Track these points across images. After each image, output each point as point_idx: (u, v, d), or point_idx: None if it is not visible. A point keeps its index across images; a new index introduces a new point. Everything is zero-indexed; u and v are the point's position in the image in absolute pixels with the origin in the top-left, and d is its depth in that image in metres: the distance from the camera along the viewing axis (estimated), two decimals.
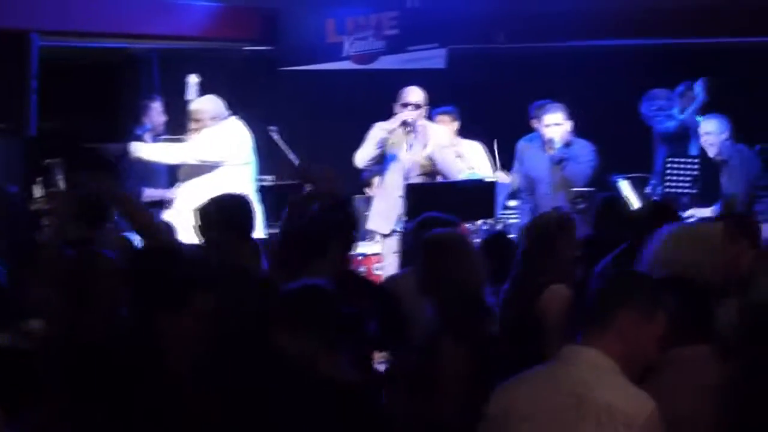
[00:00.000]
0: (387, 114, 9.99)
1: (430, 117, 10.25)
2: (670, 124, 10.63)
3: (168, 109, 10.98)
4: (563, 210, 7.07)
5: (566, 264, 5.85)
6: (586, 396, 3.92)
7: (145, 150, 10.06)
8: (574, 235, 6.03)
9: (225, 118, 9.86)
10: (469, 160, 10.39)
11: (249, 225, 6.55)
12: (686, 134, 10.87)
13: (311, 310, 4.63)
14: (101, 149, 10.14)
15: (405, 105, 9.72)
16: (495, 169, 10.45)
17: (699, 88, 10.82)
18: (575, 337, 4.10)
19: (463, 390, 5.13)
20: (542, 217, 6.35)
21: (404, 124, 9.66)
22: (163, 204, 10.01)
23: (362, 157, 9.77)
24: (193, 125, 9.90)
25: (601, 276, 4.54)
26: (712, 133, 10.24)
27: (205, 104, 9.98)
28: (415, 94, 9.77)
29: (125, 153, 10.05)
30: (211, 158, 9.70)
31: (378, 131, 9.70)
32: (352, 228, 6.53)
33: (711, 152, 10.22)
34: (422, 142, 9.75)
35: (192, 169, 9.82)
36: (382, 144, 9.68)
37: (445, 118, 10.65)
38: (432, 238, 5.76)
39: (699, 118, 10.63)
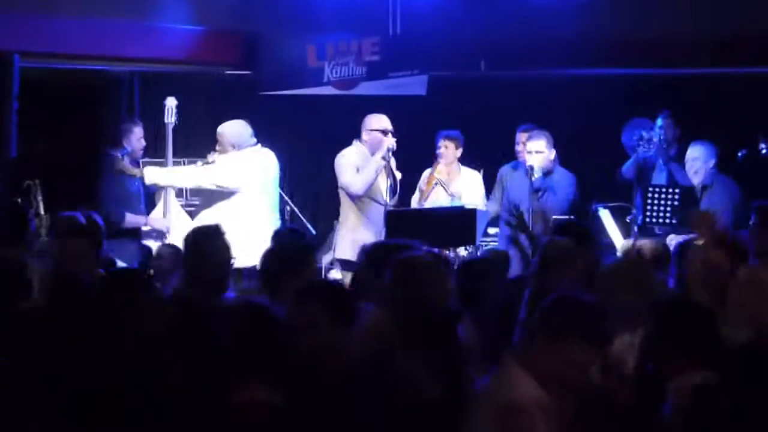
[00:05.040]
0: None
1: (434, 141, 10.39)
2: (651, 154, 10.61)
3: (147, 132, 10.94)
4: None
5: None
6: None
7: (159, 174, 9.96)
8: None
9: (248, 146, 9.79)
10: (453, 188, 10.42)
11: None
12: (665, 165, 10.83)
13: (246, 334, 4.55)
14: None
15: (377, 131, 9.86)
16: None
17: (662, 121, 10.72)
18: None
19: None
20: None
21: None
22: (163, 235, 9.95)
23: (363, 185, 9.84)
24: (217, 147, 9.87)
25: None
26: (698, 159, 10.23)
27: (227, 129, 9.91)
28: (386, 120, 9.94)
29: (104, 177, 9.97)
30: (224, 184, 9.67)
31: (376, 160, 9.85)
32: None
33: (695, 179, 10.20)
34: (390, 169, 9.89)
35: (208, 196, 9.81)
36: (379, 171, 9.79)
37: (450, 143, 10.66)
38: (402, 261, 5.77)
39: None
